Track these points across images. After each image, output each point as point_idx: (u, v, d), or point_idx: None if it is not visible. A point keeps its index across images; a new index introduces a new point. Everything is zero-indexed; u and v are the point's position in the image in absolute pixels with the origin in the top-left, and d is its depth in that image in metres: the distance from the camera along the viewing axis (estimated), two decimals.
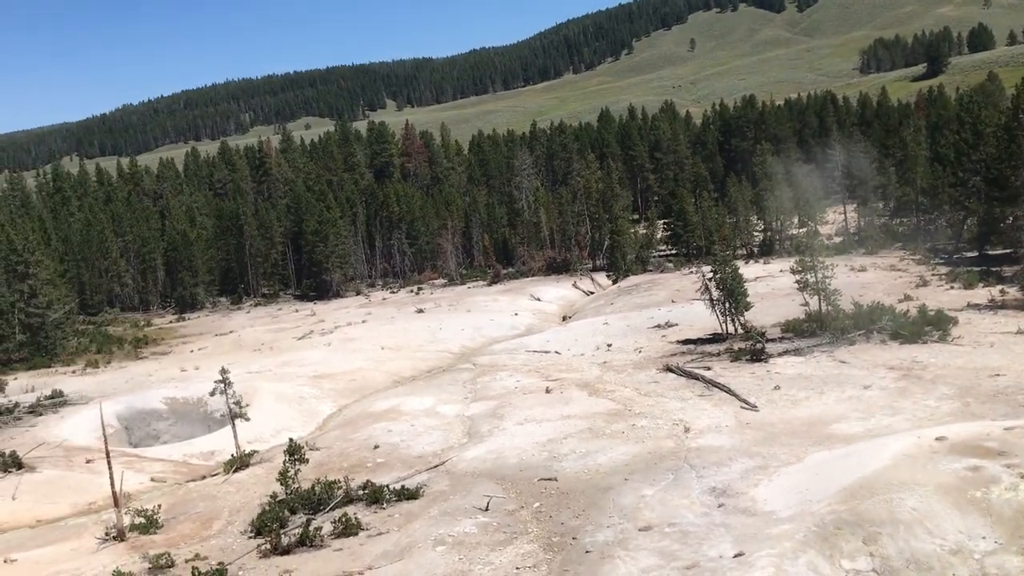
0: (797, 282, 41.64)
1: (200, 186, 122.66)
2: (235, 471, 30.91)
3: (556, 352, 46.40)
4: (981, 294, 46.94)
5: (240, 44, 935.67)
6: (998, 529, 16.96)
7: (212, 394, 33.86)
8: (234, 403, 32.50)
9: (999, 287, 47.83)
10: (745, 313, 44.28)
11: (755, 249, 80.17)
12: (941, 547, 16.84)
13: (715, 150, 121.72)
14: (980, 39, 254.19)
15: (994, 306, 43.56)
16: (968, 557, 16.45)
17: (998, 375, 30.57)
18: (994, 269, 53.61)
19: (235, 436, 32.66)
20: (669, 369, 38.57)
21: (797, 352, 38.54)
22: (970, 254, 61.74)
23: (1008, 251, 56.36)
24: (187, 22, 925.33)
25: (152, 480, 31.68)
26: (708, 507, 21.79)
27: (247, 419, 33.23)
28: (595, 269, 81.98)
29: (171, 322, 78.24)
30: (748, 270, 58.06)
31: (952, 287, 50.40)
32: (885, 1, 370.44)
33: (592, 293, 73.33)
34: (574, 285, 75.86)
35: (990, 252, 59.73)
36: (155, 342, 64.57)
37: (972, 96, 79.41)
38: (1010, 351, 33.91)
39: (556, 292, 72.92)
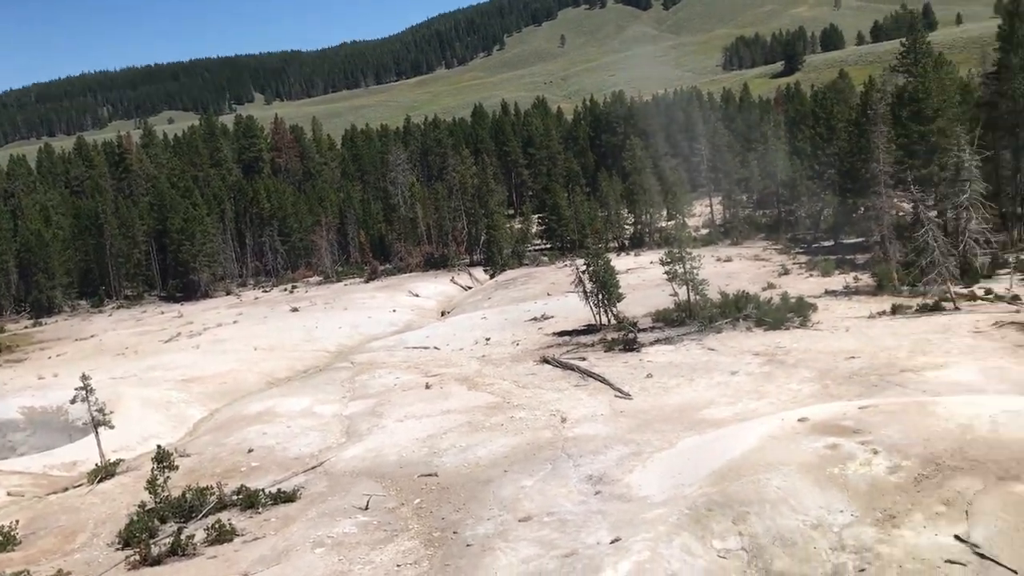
0: (666, 273, 42.89)
1: (55, 184, 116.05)
2: (100, 481, 29.53)
3: (435, 348, 46.32)
4: (837, 281, 49.56)
5: (96, 34, 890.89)
6: (854, 503, 17.94)
7: (73, 402, 32.30)
8: (97, 410, 31.07)
9: (853, 274, 50.62)
10: (618, 304, 45.32)
11: (626, 242, 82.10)
12: (804, 522, 17.69)
13: (586, 145, 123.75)
14: (832, 39, 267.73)
15: (849, 292, 46.09)
16: (828, 531, 17.35)
17: (853, 357, 32.35)
18: (848, 257, 56.67)
19: (99, 445, 31.23)
20: (546, 361, 39.12)
21: (668, 341, 39.71)
22: (827, 243, 65.05)
23: (860, 240, 59.62)
24: (36, 9, 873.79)
25: (9, 494, 29.91)
26: (585, 495, 22.23)
27: (111, 427, 31.84)
28: (472, 264, 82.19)
29: (26, 328, 73.98)
30: (620, 262, 59.43)
31: (811, 275, 52.98)
32: (746, 1, 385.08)
33: (470, 288, 73.54)
34: (452, 280, 75.89)
35: (845, 241, 63.07)
36: (9, 349, 60.92)
37: (825, 93, 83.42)
38: (863, 334, 35.93)
39: (434, 288, 72.76)
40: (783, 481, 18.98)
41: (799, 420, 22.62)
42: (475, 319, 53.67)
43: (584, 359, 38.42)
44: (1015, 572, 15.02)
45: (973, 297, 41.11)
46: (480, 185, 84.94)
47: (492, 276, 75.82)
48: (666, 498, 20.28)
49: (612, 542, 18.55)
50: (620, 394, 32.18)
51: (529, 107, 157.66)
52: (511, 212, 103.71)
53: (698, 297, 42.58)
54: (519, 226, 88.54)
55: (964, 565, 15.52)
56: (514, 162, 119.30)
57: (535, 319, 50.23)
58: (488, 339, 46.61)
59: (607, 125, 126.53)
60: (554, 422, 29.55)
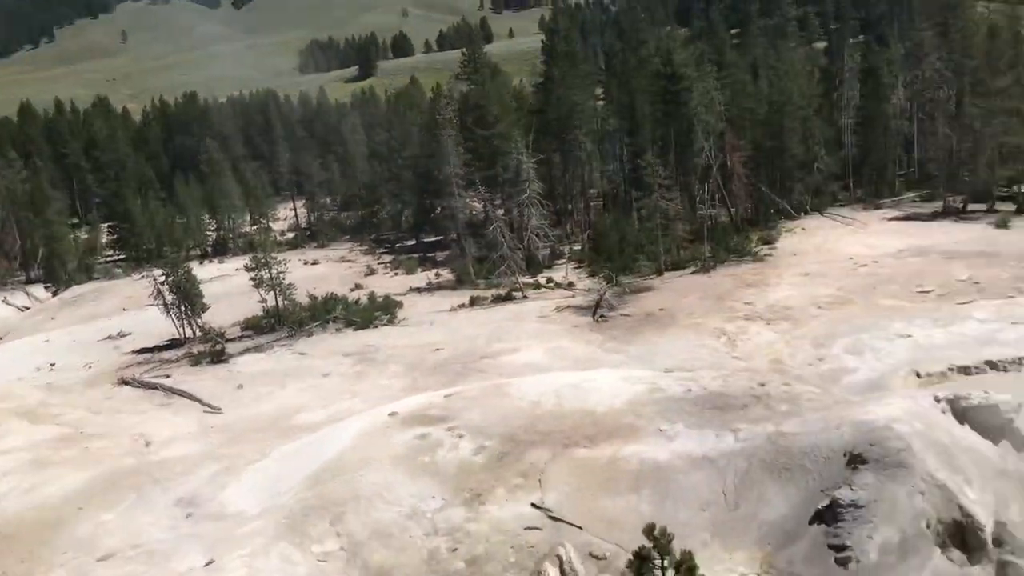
0: (253, 279, 41.81)
1: None
2: None
3: None
4: (420, 278, 51.92)
5: None
6: (445, 487, 18.88)
7: None
8: None
9: (435, 271, 53.39)
10: (203, 315, 43.23)
11: (209, 249, 78.57)
12: (399, 513, 18.21)
13: (159, 148, 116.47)
14: (402, 46, 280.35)
15: (432, 288, 48.55)
16: (422, 517, 18.04)
17: (438, 349, 34.16)
18: (430, 255, 59.63)
19: None
20: (125, 382, 36.09)
21: (258, 349, 38.79)
22: (409, 242, 67.76)
23: (440, 238, 63.09)
24: None
25: None
26: (175, 520, 20.85)
27: None
28: (30, 281, 73.05)
29: None
30: (203, 271, 56.83)
31: (396, 273, 54.90)
32: (319, 4, 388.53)
33: (28, 308, 65.35)
34: (4, 301, 66.83)
35: (426, 240, 66.21)
36: None
37: (398, 98, 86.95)
38: (446, 326, 38.10)
39: None
40: (377, 476, 19.39)
41: (390, 415, 23.29)
42: (36, 343, 47.81)
43: (169, 376, 36.10)
44: (580, 527, 16.84)
45: (538, 286, 45.49)
46: (33, 192, 75.83)
47: (55, 294, 68.12)
48: (262, 510, 19.71)
49: (206, 565, 17.62)
50: (210, 409, 30.74)
51: (89, 106, 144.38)
52: (75, 221, 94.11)
53: (287, 302, 42.12)
54: (86, 236, 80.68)
55: (540, 529, 17.04)
56: (75, 166, 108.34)
57: (111, 337, 46.06)
58: (53, 364, 41.76)
59: (181, 127, 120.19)
60: (137, 447, 27.36)
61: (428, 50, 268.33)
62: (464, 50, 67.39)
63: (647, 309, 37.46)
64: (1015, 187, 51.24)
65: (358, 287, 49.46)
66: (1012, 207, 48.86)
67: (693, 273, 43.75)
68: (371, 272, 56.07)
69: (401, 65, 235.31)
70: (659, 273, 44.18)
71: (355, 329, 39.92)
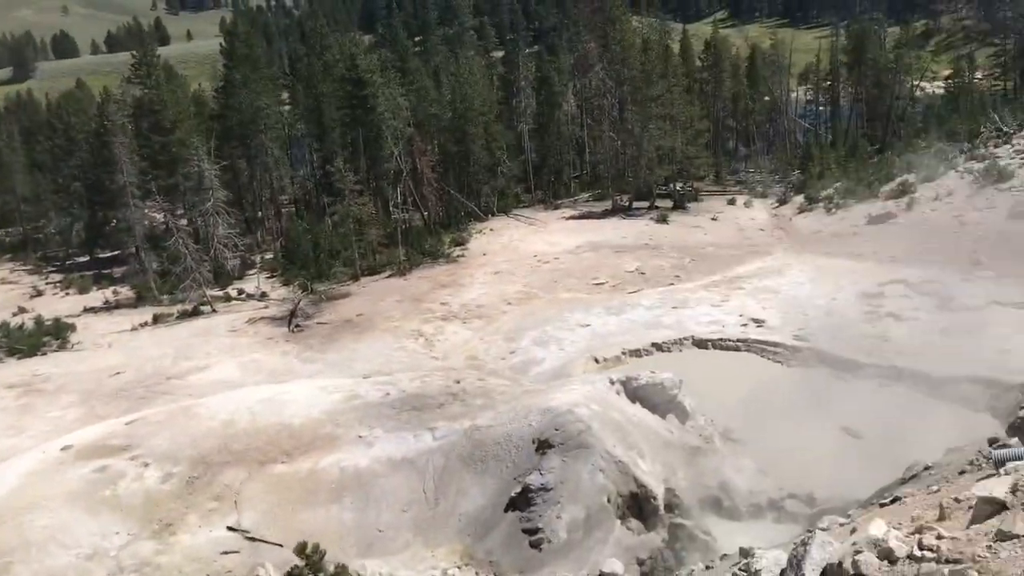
0: None
1: None
2: None
3: None
4: (96, 297, 47.82)
5: None
6: (130, 520, 17.53)
7: None
8: None
9: (112, 288, 49.38)
10: None
11: None
12: (78, 555, 16.65)
13: None
14: (64, 46, 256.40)
15: (110, 307, 44.94)
16: (104, 557, 16.62)
17: (119, 373, 31.68)
18: (106, 271, 55.00)
19: None
20: None
21: None
22: (82, 259, 62.11)
23: (116, 253, 58.43)
24: None
25: None
26: None
27: None
28: None
29: None
30: None
31: (68, 294, 50.15)
32: None
33: None
34: None
35: (101, 255, 61.02)
36: None
37: (62, 102, 79.42)
38: (127, 347, 35.45)
39: None
40: (50, 517, 17.58)
41: (63, 449, 21.21)
42: None
43: None
44: (281, 545, 16.38)
45: (228, 298, 43.65)
46: None
47: None
48: None
49: None
50: None
51: None
52: None
53: None
54: None
55: (238, 552, 16.36)
56: None
57: None
58: None
59: None
60: None
61: (95, 51, 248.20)
62: (135, 52, 62.80)
63: (345, 315, 37.30)
64: (671, 185, 57.08)
65: (22, 311, 44.61)
66: (670, 204, 54.55)
67: (389, 277, 44.19)
68: (38, 293, 50.80)
69: (64, 67, 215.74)
70: (356, 279, 44.12)
71: (19, 358, 35.97)
